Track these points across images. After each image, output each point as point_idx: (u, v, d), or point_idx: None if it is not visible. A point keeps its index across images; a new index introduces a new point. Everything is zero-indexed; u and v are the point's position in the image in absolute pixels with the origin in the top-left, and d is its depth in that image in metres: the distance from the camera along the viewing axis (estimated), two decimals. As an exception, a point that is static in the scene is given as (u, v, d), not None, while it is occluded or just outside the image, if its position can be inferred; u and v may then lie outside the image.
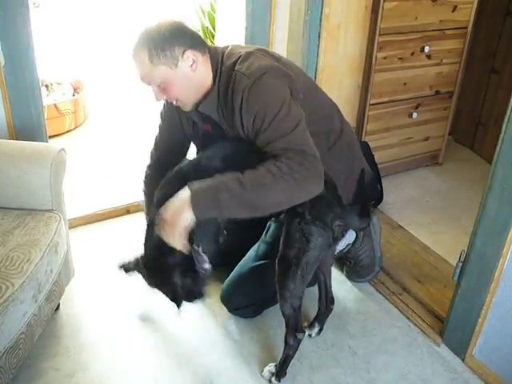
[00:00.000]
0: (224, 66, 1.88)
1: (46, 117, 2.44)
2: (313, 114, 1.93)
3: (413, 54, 3.12)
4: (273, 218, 2.16)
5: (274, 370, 2.01)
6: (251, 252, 2.27)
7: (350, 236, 2.42)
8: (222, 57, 1.91)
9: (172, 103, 1.97)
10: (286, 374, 2.00)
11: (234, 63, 1.86)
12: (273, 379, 2.00)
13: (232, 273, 2.27)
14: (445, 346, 2.20)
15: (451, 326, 2.16)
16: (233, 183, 1.68)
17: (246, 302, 2.23)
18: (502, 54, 3.52)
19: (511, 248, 1.86)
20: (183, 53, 1.82)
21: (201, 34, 4.10)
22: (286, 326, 1.94)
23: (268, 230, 2.27)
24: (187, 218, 1.69)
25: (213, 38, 3.96)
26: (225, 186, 1.67)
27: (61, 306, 2.26)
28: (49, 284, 1.90)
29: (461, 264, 2.08)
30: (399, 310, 2.37)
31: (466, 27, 3.24)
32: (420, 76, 3.23)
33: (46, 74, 4.03)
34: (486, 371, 2.05)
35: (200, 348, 2.14)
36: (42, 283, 1.82)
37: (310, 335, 2.20)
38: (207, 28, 4.08)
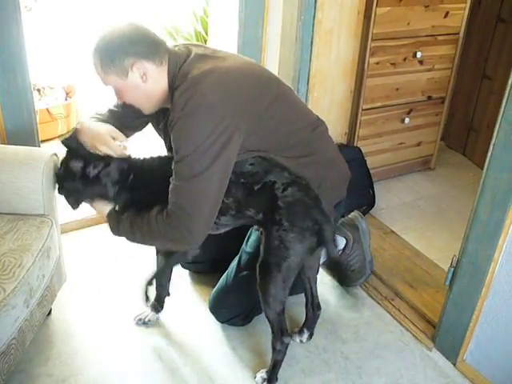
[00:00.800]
0: (175, 84, 1.82)
1: (38, 121, 2.43)
2: (276, 128, 1.89)
3: (405, 59, 3.13)
4: (254, 226, 2.09)
5: (265, 376, 2.01)
6: (234, 263, 2.24)
7: (340, 242, 2.44)
8: (179, 70, 1.83)
9: None
10: (277, 379, 2.00)
11: (179, 84, 1.78)
12: (257, 379, 2.02)
13: (217, 285, 2.25)
14: (437, 350, 2.20)
15: (443, 330, 2.17)
16: (129, 226, 1.91)
17: (232, 314, 2.22)
18: (494, 59, 3.53)
19: (502, 253, 1.87)
20: (132, 64, 1.77)
21: (193, 38, 4.11)
22: (272, 331, 1.95)
23: (249, 238, 2.23)
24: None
25: (205, 42, 3.97)
26: (125, 225, 1.92)
27: (53, 311, 2.25)
28: (41, 289, 1.89)
29: (452, 269, 2.09)
30: (391, 315, 2.37)
31: (457, 33, 3.26)
32: (412, 81, 3.24)
33: (38, 78, 4.01)
34: (477, 376, 2.06)
35: (192, 354, 2.14)
36: (33, 288, 1.81)
37: (300, 341, 2.20)
38: (200, 33, 4.08)
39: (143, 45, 1.80)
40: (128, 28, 1.81)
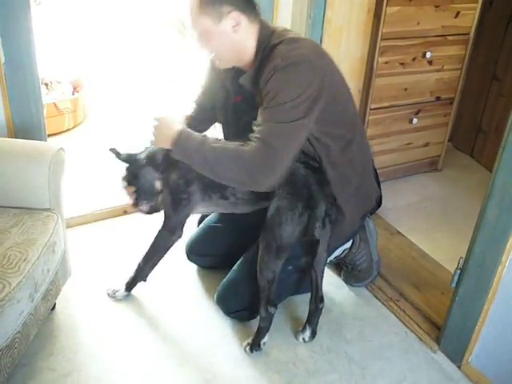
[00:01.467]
0: (270, 44, 1.91)
1: (45, 115, 2.43)
2: (334, 119, 1.99)
3: (414, 59, 3.12)
4: None
5: (250, 341, 2.13)
6: (245, 255, 2.26)
7: (347, 242, 2.43)
8: (272, 34, 1.94)
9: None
10: (259, 347, 2.11)
11: (279, 42, 1.89)
12: (247, 348, 2.13)
13: (227, 276, 2.26)
14: (441, 352, 2.19)
15: (448, 332, 2.16)
16: (208, 149, 1.88)
17: (240, 305, 2.22)
18: (504, 61, 3.52)
19: (510, 256, 1.86)
20: (229, 12, 1.85)
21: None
22: (261, 298, 2.05)
23: None
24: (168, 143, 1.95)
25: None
26: (202, 148, 1.88)
27: (57, 305, 2.25)
28: (45, 283, 1.89)
29: (459, 271, 2.08)
30: (396, 316, 2.36)
31: (468, 33, 3.24)
32: (421, 82, 3.23)
33: (45, 73, 4.01)
34: (482, 379, 2.05)
35: (197, 350, 2.13)
36: (38, 282, 1.81)
37: (303, 340, 2.20)
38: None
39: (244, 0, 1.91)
40: None
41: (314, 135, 1.95)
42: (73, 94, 4.08)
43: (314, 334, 2.20)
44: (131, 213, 2.91)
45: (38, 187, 1.98)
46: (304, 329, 2.20)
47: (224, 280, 2.26)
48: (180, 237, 2.22)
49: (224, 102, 2.20)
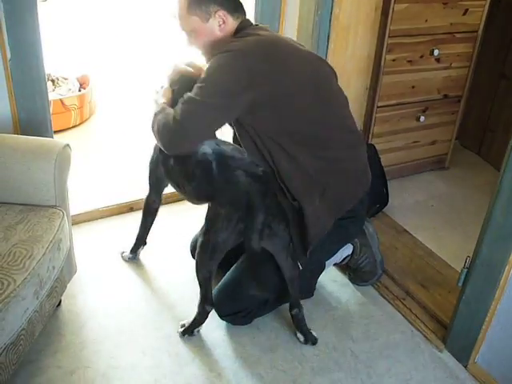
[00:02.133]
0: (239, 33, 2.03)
1: (51, 112, 2.43)
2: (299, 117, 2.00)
3: (422, 56, 3.10)
4: None
5: (184, 324, 2.18)
6: (240, 260, 2.24)
7: (347, 249, 2.44)
8: (240, 31, 2.04)
9: None
10: (192, 333, 2.16)
11: (238, 38, 2.00)
12: (179, 329, 2.18)
13: (222, 279, 2.24)
14: (448, 352, 2.18)
15: (454, 332, 2.14)
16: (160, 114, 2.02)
17: (234, 309, 2.20)
18: (512, 59, 3.50)
19: (518, 255, 1.85)
20: (216, 11, 1.99)
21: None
22: (200, 294, 2.11)
23: None
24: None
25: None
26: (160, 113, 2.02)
27: (62, 302, 2.25)
28: (51, 280, 1.89)
29: (466, 270, 2.06)
30: (402, 315, 2.35)
31: (476, 31, 3.22)
32: (428, 79, 3.21)
33: (52, 69, 4.02)
34: (489, 378, 2.04)
35: (201, 349, 2.13)
36: (43, 280, 1.81)
37: (300, 341, 2.18)
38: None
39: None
40: None
41: (259, 138, 1.99)
42: (79, 91, 4.08)
43: (307, 339, 2.17)
44: (137, 210, 2.91)
45: (43, 184, 1.98)
46: (296, 332, 2.19)
47: (219, 284, 2.23)
48: (155, 202, 2.45)
49: None
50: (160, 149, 2.12)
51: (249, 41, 1.96)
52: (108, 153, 3.63)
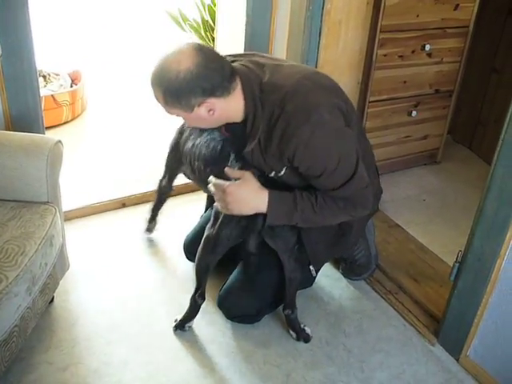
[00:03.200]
0: (266, 100, 1.78)
1: (43, 108, 2.42)
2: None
3: (413, 51, 3.10)
4: None
5: (178, 319, 2.18)
6: (246, 260, 2.23)
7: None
8: (261, 86, 1.79)
9: None
10: (183, 328, 2.17)
11: (282, 99, 1.75)
12: (173, 323, 2.18)
13: (229, 280, 2.23)
14: (440, 345, 2.20)
15: (446, 325, 2.16)
16: (307, 206, 1.85)
17: (243, 312, 2.20)
18: (503, 53, 3.50)
19: (509, 249, 1.85)
20: (200, 103, 1.72)
21: (201, 27, 4.09)
22: (194, 286, 2.11)
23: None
24: (256, 212, 1.88)
25: (212, 31, 3.94)
26: (301, 206, 1.85)
27: (55, 299, 2.25)
28: (43, 277, 1.88)
29: (458, 264, 2.07)
30: (395, 309, 2.36)
31: (467, 26, 3.22)
32: (420, 74, 3.21)
33: (43, 65, 4.00)
34: (481, 372, 2.05)
35: (195, 344, 2.13)
36: (36, 276, 1.81)
37: (293, 338, 2.19)
38: (207, 21, 4.06)
39: (211, 81, 1.71)
40: (194, 60, 1.68)
41: None
42: (71, 87, 4.06)
43: (299, 337, 2.17)
44: (130, 205, 2.91)
45: (35, 180, 1.97)
46: (289, 330, 2.19)
47: (226, 285, 2.23)
48: (166, 187, 2.51)
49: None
50: (180, 131, 2.20)
51: (305, 96, 1.76)
52: (100, 149, 3.62)
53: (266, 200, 1.84)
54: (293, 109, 1.73)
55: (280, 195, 1.86)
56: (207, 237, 2.02)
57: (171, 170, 2.45)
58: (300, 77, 1.81)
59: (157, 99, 1.78)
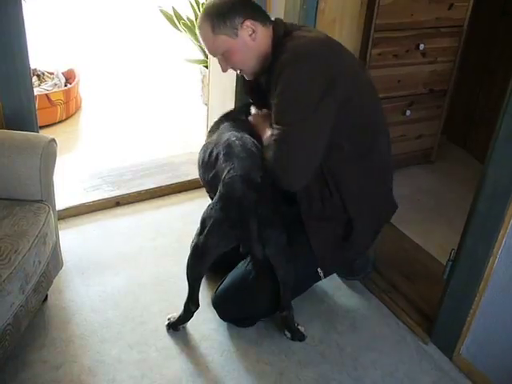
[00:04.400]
0: (281, 42, 1.95)
1: (37, 106, 2.41)
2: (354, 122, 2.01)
3: (408, 51, 3.11)
4: None
5: (172, 319, 2.17)
6: (245, 263, 2.19)
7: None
8: (284, 32, 1.98)
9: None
10: (177, 328, 2.17)
11: (290, 39, 1.94)
12: (165, 322, 2.18)
13: (225, 281, 2.20)
14: (433, 344, 2.20)
15: (440, 324, 2.16)
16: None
17: (238, 315, 2.20)
18: (497, 53, 3.51)
19: (501, 248, 1.86)
20: (243, 22, 1.93)
21: (194, 24, 4.08)
22: (187, 292, 2.09)
23: None
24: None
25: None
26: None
27: (49, 297, 2.25)
28: (36, 275, 1.88)
29: (451, 263, 2.08)
30: (388, 308, 2.37)
31: (461, 25, 3.23)
32: (414, 74, 3.22)
33: (37, 64, 3.99)
34: (473, 370, 2.06)
35: (188, 342, 2.14)
36: (29, 274, 1.81)
37: (287, 338, 2.18)
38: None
39: (251, 6, 2.01)
40: None
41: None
42: (65, 86, 4.06)
43: (294, 336, 2.17)
44: (124, 204, 2.91)
45: (29, 179, 1.97)
46: (284, 331, 2.18)
47: (222, 286, 2.20)
48: None
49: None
50: None
51: (306, 40, 1.94)
52: (94, 147, 3.62)
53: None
54: (295, 43, 1.92)
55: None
56: (196, 245, 1.98)
57: None
58: (324, 36, 2.01)
59: (204, 36, 1.99)
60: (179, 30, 4.17)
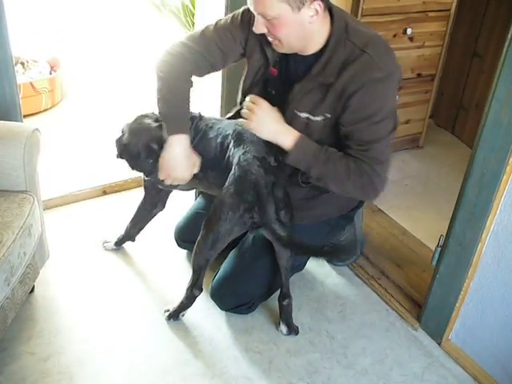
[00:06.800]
0: (348, 39, 1.84)
1: (20, 95, 2.37)
2: None
3: (395, 35, 3.09)
4: None
5: (170, 310, 2.15)
6: (238, 249, 2.21)
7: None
8: (346, 27, 1.85)
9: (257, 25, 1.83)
10: (178, 317, 2.15)
11: (365, 44, 1.82)
12: (164, 314, 2.17)
13: (221, 271, 2.20)
14: (422, 330, 2.21)
15: (429, 310, 2.16)
16: (326, 160, 1.87)
17: (238, 303, 2.19)
18: (485, 37, 3.50)
19: (490, 234, 1.86)
20: (312, 1, 1.73)
21: (181, 12, 4.04)
22: (190, 278, 2.07)
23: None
24: (276, 141, 1.90)
25: (192, 16, 3.90)
26: (322, 159, 1.87)
27: (36, 288, 2.22)
28: (22, 267, 1.86)
29: (439, 249, 2.08)
30: (377, 295, 2.37)
31: (449, 9, 3.22)
32: (402, 58, 3.20)
33: (22, 52, 3.94)
34: (462, 355, 2.07)
35: (177, 332, 2.13)
36: (14, 266, 1.78)
37: (281, 333, 2.16)
38: (187, 6, 4.01)
39: None
40: None
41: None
42: (50, 74, 4.01)
43: (290, 330, 2.15)
44: (110, 193, 2.89)
45: (12, 169, 1.94)
46: (279, 323, 2.16)
47: (218, 276, 2.20)
48: (161, 210, 2.37)
49: (257, 69, 2.06)
50: None
51: (388, 54, 1.88)
52: (80, 136, 3.58)
53: (291, 136, 1.89)
54: (374, 54, 1.81)
55: (307, 138, 1.90)
56: (206, 234, 1.95)
57: None
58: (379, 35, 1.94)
59: None
60: (165, 16, 4.13)
